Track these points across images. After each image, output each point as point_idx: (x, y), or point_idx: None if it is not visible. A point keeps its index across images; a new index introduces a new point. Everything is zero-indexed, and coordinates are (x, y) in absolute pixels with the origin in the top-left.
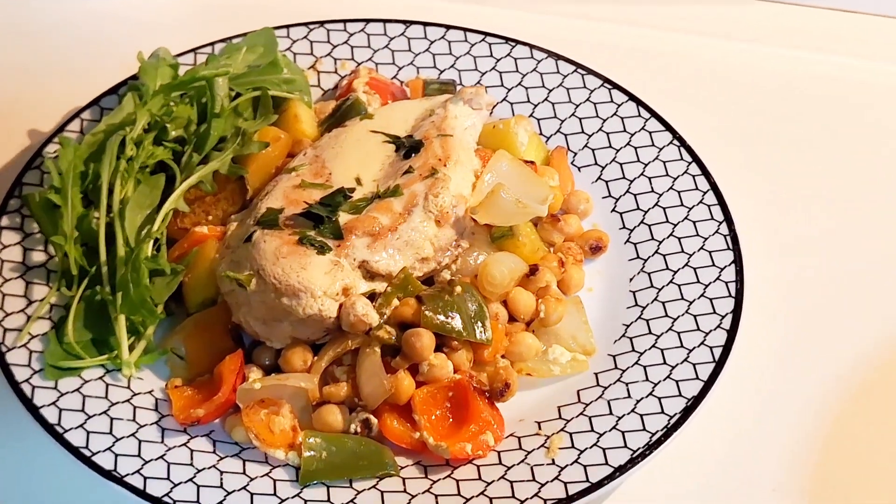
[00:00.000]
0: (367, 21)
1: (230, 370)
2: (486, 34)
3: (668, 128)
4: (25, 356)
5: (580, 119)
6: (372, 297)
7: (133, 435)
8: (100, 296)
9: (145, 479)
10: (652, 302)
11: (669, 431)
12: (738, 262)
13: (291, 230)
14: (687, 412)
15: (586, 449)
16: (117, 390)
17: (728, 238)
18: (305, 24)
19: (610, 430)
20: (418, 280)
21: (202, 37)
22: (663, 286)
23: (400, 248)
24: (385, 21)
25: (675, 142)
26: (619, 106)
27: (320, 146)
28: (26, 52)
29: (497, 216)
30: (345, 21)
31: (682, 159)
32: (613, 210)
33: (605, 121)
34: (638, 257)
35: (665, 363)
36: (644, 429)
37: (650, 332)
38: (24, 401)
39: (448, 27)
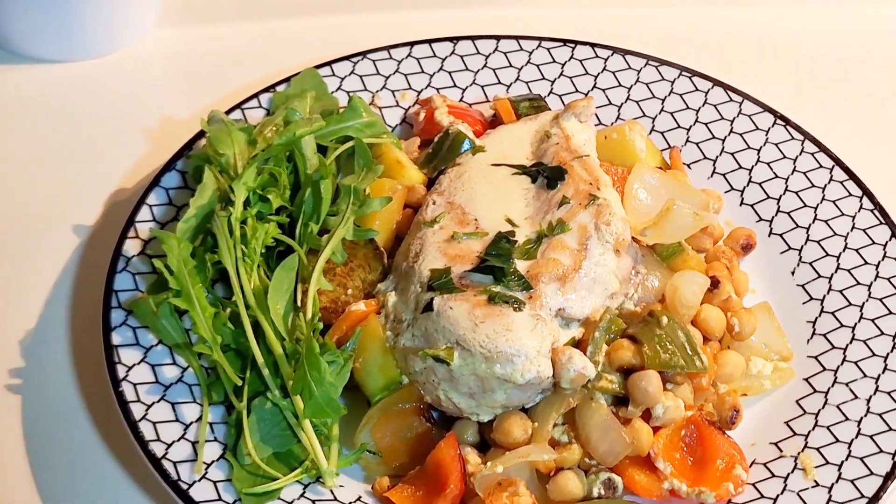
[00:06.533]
0: (412, 44)
1: (451, 456)
2: (541, 39)
3: (767, 108)
4: (211, 490)
5: (671, 114)
6: (573, 345)
7: None
8: (270, 402)
9: None
10: (828, 293)
11: None
12: None
13: (474, 290)
14: None
15: (843, 462)
16: None
17: (876, 212)
18: (348, 58)
19: (856, 437)
20: None
21: (205, 92)
22: (832, 274)
23: (589, 288)
24: (431, 41)
25: (780, 121)
26: (707, 93)
27: (445, 191)
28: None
29: (672, 232)
30: (388, 48)
31: (793, 139)
32: (742, 203)
33: (697, 111)
34: (790, 248)
35: (874, 354)
36: (891, 428)
37: (842, 325)
38: None
39: (499, 37)
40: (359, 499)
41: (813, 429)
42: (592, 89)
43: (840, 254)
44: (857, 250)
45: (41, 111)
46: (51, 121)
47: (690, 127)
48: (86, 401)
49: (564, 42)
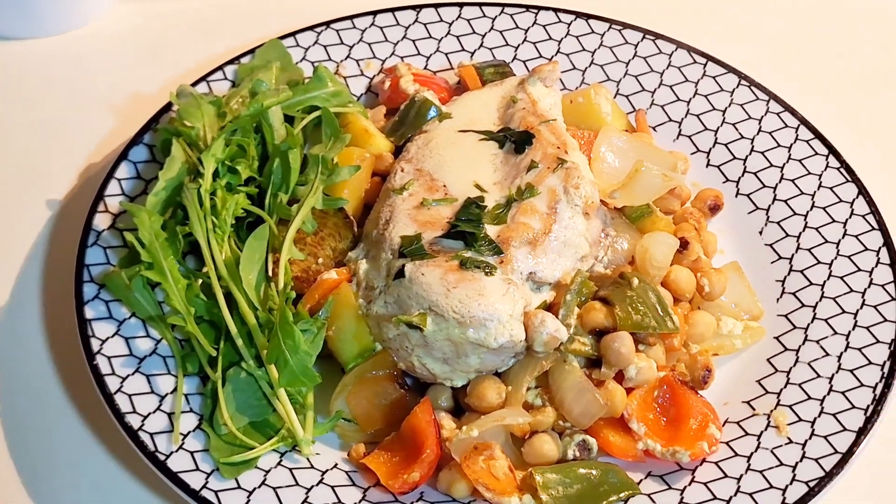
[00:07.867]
0: (375, 13)
1: (427, 422)
2: (504, 5)
3: (731, 69)
4: (188, 459)
5: (636, 77)
6: (545, 309)
7: None
8: (245, 372)
9: None
10: (797, 251)
11: (888, 382)
12: (864, 192)
13: (445, 256)
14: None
15: (815, 419)
16: (304, 473)
17: (843, 170)
18: (311, 29)
19: (828, 394)
20: None
21: (168, 66)
22: (800, 233)
23: (559, 251)
24: (394, 10)
25: (744, 82)
26: (670, 56)
27: (414, 158)
28: None
29: (640, 194)
30: (351, 17)
31: (758, 99)
32: (709, 165)
33: (661, 74)
34: (757, 208)
35: (844, 311)
36: (862, 384)
37: (811, 283)
38: None
39: (461, 4)
40: (335, 466)
41: (785, 386)
42: (556, 54)
43: (807, 213)
44: (824, 209)
45: (3, 89)
46: (13, 98)
47: (655, 90)
48: (60, 375)
49: (527, 8)
